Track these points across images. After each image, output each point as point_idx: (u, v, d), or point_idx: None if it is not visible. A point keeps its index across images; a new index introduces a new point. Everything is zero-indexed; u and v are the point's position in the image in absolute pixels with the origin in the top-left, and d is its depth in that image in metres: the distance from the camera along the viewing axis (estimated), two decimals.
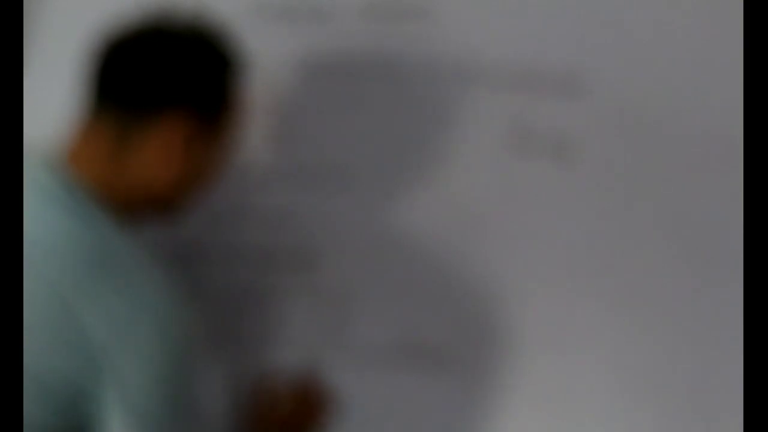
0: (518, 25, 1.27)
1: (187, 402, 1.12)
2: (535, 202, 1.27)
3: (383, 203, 1.34)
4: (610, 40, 1.24)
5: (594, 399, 1.27)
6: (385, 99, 1.33)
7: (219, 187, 1.40)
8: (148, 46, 1.12)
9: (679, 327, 1.23)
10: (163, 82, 1.13)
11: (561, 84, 1.25)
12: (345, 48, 1.34)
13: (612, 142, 1.24)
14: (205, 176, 1.19)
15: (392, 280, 1.34)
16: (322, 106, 1.35)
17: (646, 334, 1.25)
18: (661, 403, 1.25)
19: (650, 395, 1.25)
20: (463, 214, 1.31)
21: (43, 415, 1.03)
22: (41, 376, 1.03)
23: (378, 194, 1.34)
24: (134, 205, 1.15)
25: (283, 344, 1.37)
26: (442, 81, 1.30)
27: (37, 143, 1.15)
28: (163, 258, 1.16)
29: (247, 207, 1.39)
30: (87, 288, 1.05)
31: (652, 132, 1.23)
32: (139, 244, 1.12)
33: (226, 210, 1.40)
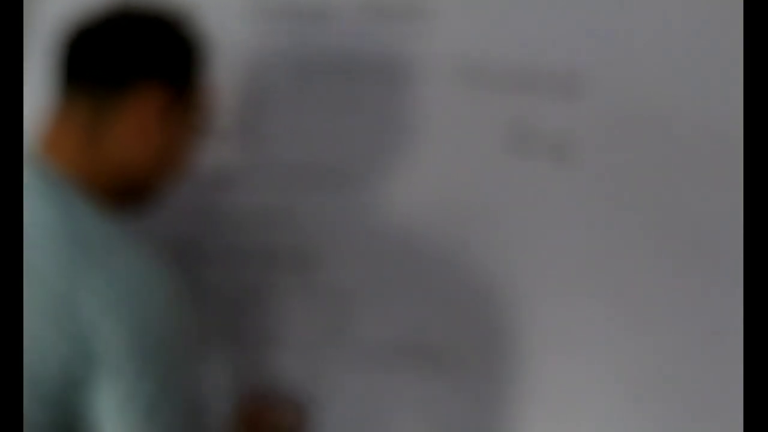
0: (518, 25, 1.27)
1: (185, 383, 1.11)
2: (535, 202, 1.27)
3: (383, 203, 1.34)
4: (610, 40, 1.24)
5: (594, 399, 1.27)
6: (384, 99, 1.33)
7: (219, 188, 1.40)
8: (112, 28, 1.14)
9: (679, 326, 1.23)
10: (130, 57, 1.14)
11: (561, 84, 1.25)
12: (344, 47, 1.34)
13: (612, 142, 1.24)
14: (180, 156, 1.20)
15: (392, 280, 1.34)
16: (322, 105, 1.35)
17: (646, 334, 1.25)
18: (662, 403, 1.25)
19: (651, 395, 1.25)
20: (462, 214, 1.30)
21: (31, 409, 1.03)
22: (31, 367, 1.03)
23: (378, 194, 1.34)
24: (115, 189, 1.15)
25: (283, 344, 1.37)
26: (442, 81, 1.30)
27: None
28: (153, 242, 1.15)
29: (247, 207, 1.39)
30: (72, 274, 1.05)
31: (652, 132, 1.23)
32: (123, 227, 1.12)
33: (226, 210, 1.40)
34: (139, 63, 1.14)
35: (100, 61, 1.14)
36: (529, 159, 1.27)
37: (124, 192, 1.17)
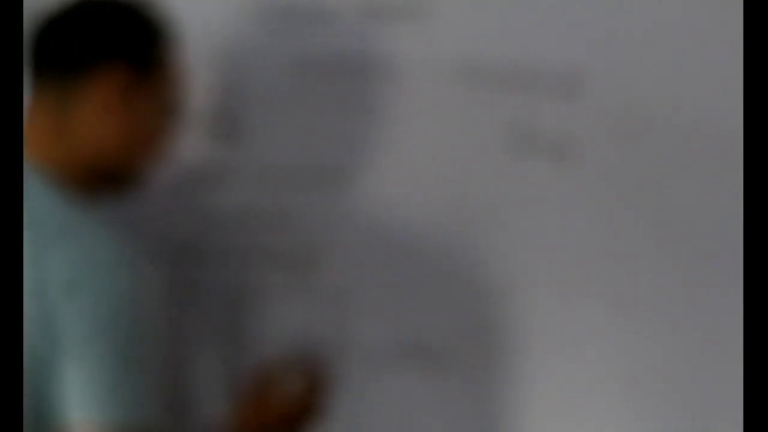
0: (518, 25, 1.27)
1: (149, 365, 1.09)
2: (535, 202, 1.27)
3: (383, 203, 1.34)
4: (610, 40, 1.24)
5: (594, 399, 1.27)
6: (384, 99, 1.33)
7: (217, 188, 1.40)
8: (70, 15, 1.16)
9: (679, 326, 1.23)
10: (87, 40, 1.15)
11: (561, 84, 1.25)
12: (344, 47, 1.34)
13: (612, 142, 1.24)
14: (151, 138, 1.20)
15: (392, 280, 1.33)
16: (322, 105, 1.35)
17: (646, 334, 1.24)
18: (662, 403, 1.25)
19: (651, 395, 1.25)
20: (462, 214, 1.30)
21: None
22: None
23: (378, 194, 1.34)
24: (88, 174, 1.16)
25: (283, 344, 1.37)
26: (442, 81, 1.30)
27: None
28: (126, 229, 1.14)
29: (246, 207, 1.39)
30: (35, 257, 1.04)
31: (652, 132, 1.23)
32: (88, 212, 1.12)
33: (226, 210, 1.40)
34: (96, 45, 1.15)
35: (60, 47, 1.15)
36: (529, 159, 1.27)
37: (98, 176, 1.17)
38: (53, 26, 1.16)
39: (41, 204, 1.10)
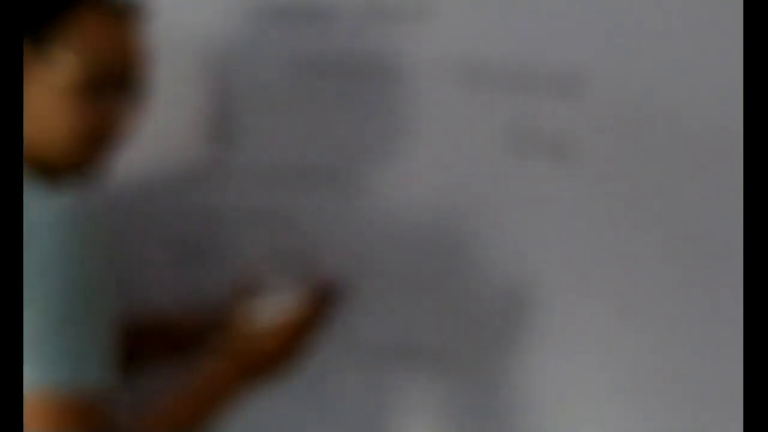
0: (518, 25, 1.27)
1: (90, 322, 1.03)
2: (535, 202, 1.27)
3: (383, 203, 1.34)
4: (610, 40, 1.24)
5: (595, 399, 1.27)
6: (384, 99, 1.33)
7: (217, 188, 1.40)
8: None
9: (680, 326, 1.23)
10: None
11: (561, 84, 1.25)
12: (344, 47, 1.34)
13: (612, 142, 1.24)
14: (72, 119, 1.09)
15: (392, 280, 1.34)
16: (322, 105, 1.35)
17: (646, 334, 1.25)
18: (663, 403, 1.25)
19: (651, 395, 1.25)
20: (462, 214, 1.30)
21: None
22: None
23: (377, 194, 1.34)
24: (35, 165, 1.10)
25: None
26: (442, 81, 1.30)
27: None
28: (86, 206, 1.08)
29: (247, 207, 1.39)
30: None
31: (652, 132, 1.23)
32: (52, 198, 1.05)
33: (226, 210, 1.40)
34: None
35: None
36: (529, 159, 1.27)
37: (44, 163, 1.10)
38: None
39: None
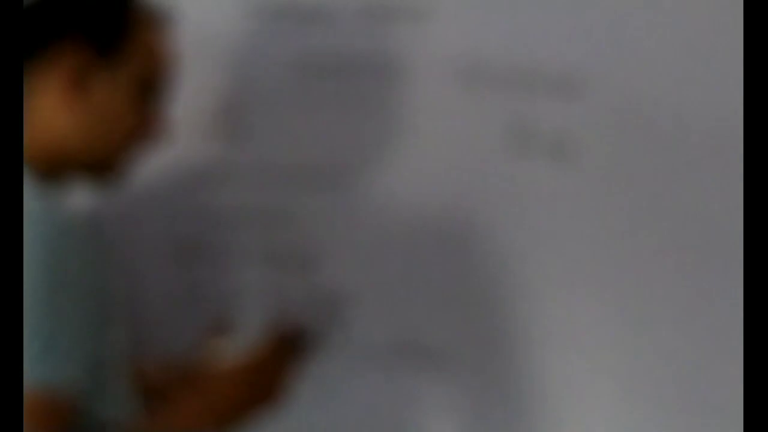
0: (518, 25, 1.27)
1: (68, 319, 1.02)
2: (534, 202, 1.27)
3: (383, 203, 1.34)
4: (610, 40, 1.24)
5: (595, 399, 1.27)
6: (384, 99, 1.33)
7: (218, 188, 1.40)
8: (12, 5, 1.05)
9: (679, 326, 1.23)
10: (43, 17, 1.06)
11: (561, 84, 1.25)
12: (344, 47, 1.34)
13: (612, 142, 1.24)
14: (127, 120, 1.12)
15: (392, 280, 1.34)
16: (322, 105, 1.35)
17: (646, 334, 1.25)
18: (663, 403, 1.25)
19: (651, 395, 1.25)
20: (462, 214, 1.31)
21: None
22: None
23: (377, 194, 1.34)
24: (58, 165, 1.10)
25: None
26: (442, 81, 1.30)
27: None
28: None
29: (247, 207, 1.39)
30: None
31: (652, 132, 1.23)
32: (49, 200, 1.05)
33: (226, 210, 1.40)
34: (52, 22, 1.07)
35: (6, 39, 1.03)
36: (528, 159, 1.27)
37: (73, 163, 1.11)
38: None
39: None
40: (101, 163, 1.14)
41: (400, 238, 1.33)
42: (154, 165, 1.41)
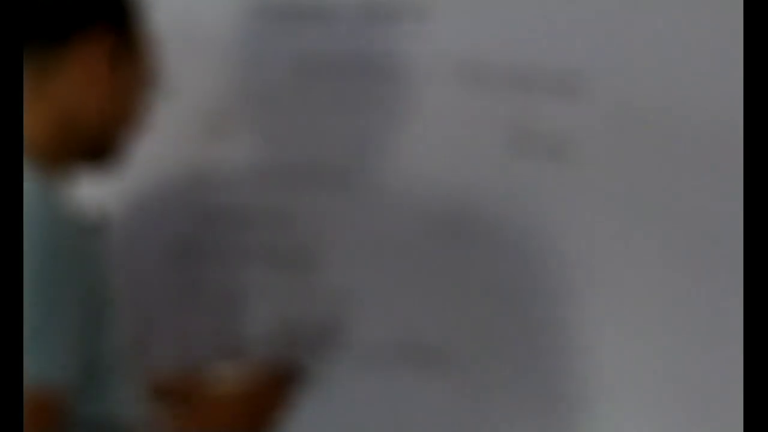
0: (518, 25, 1.27)
1: (57, 319, 1.02)
2: (535, 202, 1.27)
3: (383, 203, 1.34)
4: (610, 40, 1.24)
5: (595, 399, 1.27)
6: (384, 99, 1.33)
7: (219, 188, 1.40)
8: None
9: (679, 326, 1.23)
10: (67, 6, 1.11)
11: (561, 84, 1.25)
12: (344, 47, 1.34)
13: (612, 142, 1.24)
14: (131, 107, 1.18)
15: (392, 280, 1.34)
16: (322, 105, 1.35)
17: (646, 334, 1.25)
18: (663, 403, 1.25)
19: (651, 395, 1.25)
20: (462, 214, 1.31)
21: None
22: None
23: (378, 194, 1.34)
24: (70, 145, 1.13)
25: (282, 344, 1.37)
26: (442, 81, 1.30)
27: None
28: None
29: (247, 207, 1.39)
30: None
31: (653, 132, 1.23)
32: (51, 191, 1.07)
33: (226, 210, 1.40)
34: (79, 10, 1.11)
35: (45, 12, 1.10)
36: (529, 159, 1.27)
37: (77, 149, 1.14)
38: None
39: None
40: (106, 145, 1.17)
41: (400, 238, 1.33)
42: (154, 165, 1.41)
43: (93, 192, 1.24)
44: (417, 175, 1.32)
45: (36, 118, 1.10)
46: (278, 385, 1.27)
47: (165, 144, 1.41)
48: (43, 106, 1.11)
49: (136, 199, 1.44)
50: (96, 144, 1.16)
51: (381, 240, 1.34)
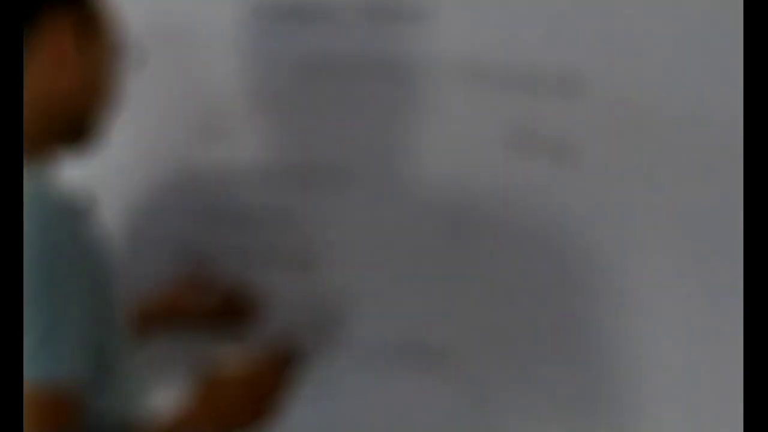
0: (518, 26, 1.27)
1: (61, 316, 1.02)
2: (535, 202, 1.28)
3: (383, 203, 1.34)
4: (610, 40, 1.24)
5: (595, 399, 1.27)
6: (384, 99, 1.33)
7: (219, 188, 1.40)
8: None
9: (679, 325, 1.23)
10: None
11: (561, 84, 1.25)
12: (344, 47, 1.34)
13: (612, 142, 1.24)
14: (103, 84, 1.17)
15: (392, 280, 1.34)
16: (322, 105, 1.35)
17: (646, 334, 1.25)
18: (662, 403, 1.25)
19: (651, 395, 1.25)
20: (462, 214, 1.31)
21: None
22: None
23: (378, 194, 1.34)
24: (49, 130, 1.12)
25: (282, 344, 1.37)
26: (442, 81, 1.30)
27: None
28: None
29: (247, 207, 1.39)
30: None
31: (653, 132, 1.23)
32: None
33: (226, 210, 1.40)
34: None
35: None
36: (529, 159, 1.27)
37: (59, 131, 1.13)
38: None
39: None
40: (84, 124, 1.16)
41: (400, 238, 1.33)
42: (155, 166, 1.41)
43: (73, 175, 1.22)
44: (417, 175, 1.32)
45: None
46: (280, 367, 1.26)
47: (165, 144, 1.41)
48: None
49: (136, 199, 1.44)
50: (74, 125, 1.15)
51: (381, 240, 1.34)
